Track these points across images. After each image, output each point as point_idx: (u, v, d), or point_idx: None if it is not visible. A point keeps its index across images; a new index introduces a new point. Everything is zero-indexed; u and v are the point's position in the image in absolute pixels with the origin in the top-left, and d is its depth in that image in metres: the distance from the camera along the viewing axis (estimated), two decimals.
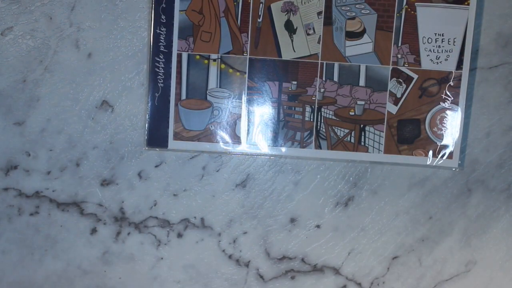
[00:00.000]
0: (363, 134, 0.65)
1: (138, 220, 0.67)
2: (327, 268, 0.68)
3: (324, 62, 0.64)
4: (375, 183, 0.67)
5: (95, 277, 0.67)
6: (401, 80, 0.64)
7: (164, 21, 0.63)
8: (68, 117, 0.65)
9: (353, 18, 0.63)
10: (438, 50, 0.64)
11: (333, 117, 0.65)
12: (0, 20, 0.64)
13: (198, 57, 0.64)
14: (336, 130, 0.65)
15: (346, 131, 0.65)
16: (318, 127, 0.65)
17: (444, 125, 0.65)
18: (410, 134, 0.65)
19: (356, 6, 0.63)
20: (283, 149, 0.65)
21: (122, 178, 0.66)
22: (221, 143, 0.64)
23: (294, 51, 0.64)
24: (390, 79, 0.64)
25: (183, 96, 0.64)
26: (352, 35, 0.64)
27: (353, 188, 0.67)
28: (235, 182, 0.67)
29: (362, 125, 0.65)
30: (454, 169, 0.66)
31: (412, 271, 0.68)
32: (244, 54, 0.64)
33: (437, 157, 0.65)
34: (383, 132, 0.65)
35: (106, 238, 0.67)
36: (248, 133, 0.64)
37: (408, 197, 0.67)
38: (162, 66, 0.63)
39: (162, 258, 0.67)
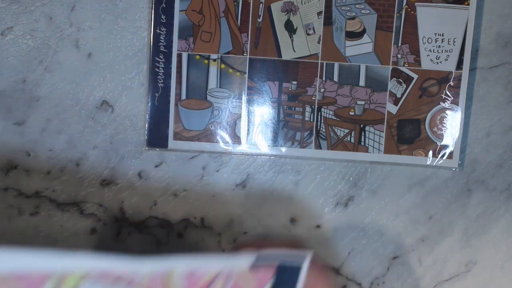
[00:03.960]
0: (363, 134, 0.65)
1: (138, 220, 0.67)
2: (327, 268, 0.68)
3: (324, 62, 0.64)
4: (375, 183, 0.67)
5: None
6: (401, 80, 0.64)
7: (164, 21, 0.63)
8: (68, 117, 0.65)
9: (353, 18, 0.63)
10: (438, 50, 0.64)
11: (333, 117, 0.65)
12: (0, 20, 0.64)
13: (198, 57, 0.64)
14: (336, 130, 0.65)
15: (346, 131, 0.65)
16: (318, 127, 0.65)
17: (444, 125, 0.65)
18: (410, 134, 0.65)
19: (356, 6, 0.63)
20: (283, 149, 0.65)
21: (122, 178, 0.66)
22: (221, 143, 0.64)
23: (294, 51, 0.64)
24: (390, 79, 0.64)
25: (183, 96, 0.64)
26: (352, 35, 0.64)
27: (353, 188, 0.67)
28: (235, 182, 0.66)
29: (362, 125, 0.65)
30: (454, 169, 0.66)
31: (412, 271, 0.68)
32: (244, 54, 0.64)
33: (437, 157, 0.65)
34: (383, 132, 0.65)
35: (106, 238, 0.67)
36: (248, 133, 0.64)
37: (408, 197, 0.67)
38: (162, 66, 0.63)
39: None
